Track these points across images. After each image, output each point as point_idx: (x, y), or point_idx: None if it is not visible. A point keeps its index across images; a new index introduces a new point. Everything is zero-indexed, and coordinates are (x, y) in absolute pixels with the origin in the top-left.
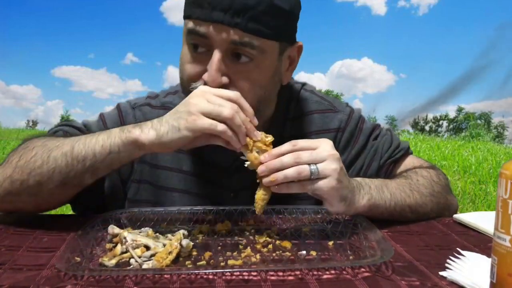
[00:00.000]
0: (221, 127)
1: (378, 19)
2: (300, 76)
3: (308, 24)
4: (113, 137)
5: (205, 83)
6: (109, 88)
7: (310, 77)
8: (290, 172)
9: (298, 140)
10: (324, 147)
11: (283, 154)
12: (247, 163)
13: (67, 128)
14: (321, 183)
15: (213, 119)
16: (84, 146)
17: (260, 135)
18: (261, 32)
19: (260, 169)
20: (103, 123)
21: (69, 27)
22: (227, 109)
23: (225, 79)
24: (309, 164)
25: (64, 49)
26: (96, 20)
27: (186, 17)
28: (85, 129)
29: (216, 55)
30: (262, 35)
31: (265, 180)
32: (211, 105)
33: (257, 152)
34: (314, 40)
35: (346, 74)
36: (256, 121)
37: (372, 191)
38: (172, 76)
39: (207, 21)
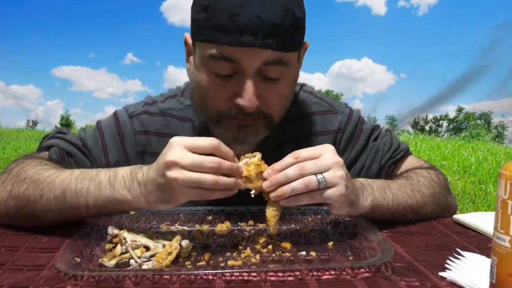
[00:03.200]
0: (207, 194)
1: (378, 19)
2: (300, 76)
3: (308, 24)
4: (105, 195)
5: (240, 107)
6: (109, 88)
7: (310, 77)
8: (297, 184)
9: (299, 151)
10: (327, 155)
11: (286, 167)
12: (252, 192)
13: (63, 144)
14: (331, 192)
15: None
16: (76, 195)
17: (246, 160)
18: (289, 47)
19: (266, 185)
20: (100, 134)
21: (69, 27)
22: (208, 178)
23: (258, 101)
24: (315, 174)
25: (64, 49)
26: (96, 20)
27: (207, 40)
28: (80, 144)
29: (251, 80)
30: (289, 50)
31: (272, 195)
32: (192, 176)
33: (255, 176)
34: (314, 40)
35: (346, 74)
36: (236, 160)
37: (375, 192)
38: (172, 76)
39: (237, 46)
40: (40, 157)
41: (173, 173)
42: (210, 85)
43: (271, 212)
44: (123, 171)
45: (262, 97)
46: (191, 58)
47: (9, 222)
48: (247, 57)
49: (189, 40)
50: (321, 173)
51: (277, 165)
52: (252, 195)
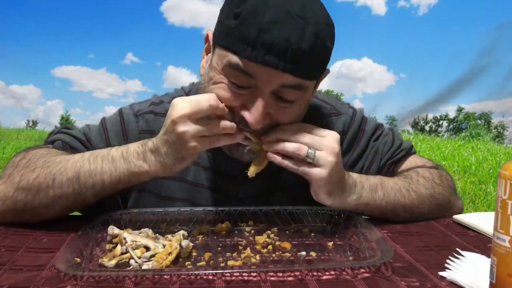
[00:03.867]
0: (217, 140)
1: (378, 19)
2: None
3: None
4: (121, 169)
5: (245, 120)
6: (109, 88)
7: None
8: (289, 146)
9: (309, 125)
10: (329, 138)
11: (292, 133)
12: (250, 170)
13: (67, 138)
14: (313, 170)
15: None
16: (90, 174)
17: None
18: (311, 76)
19: (265, 136)
20: (104, 131)
21: (69, 27)
22: (214, 123)
23: (265, 120)
24: (309, 147)
25: (64, 49)
26: (96, 20)
27: (230, 50)
28: (84, 139)
29: (263, 99)
30: (311, 78)
31: (265, 144)
32: (199, 125)
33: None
34: None
35: (346, 74)
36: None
37: (363, 191)
38: (172, 76)
39: (259, 63)
40: (46, 148)
41: (181, 127)
42: (222, 90)
43: (256, 161)
44: (134, 145)
45: (270, 115)
46: (209, 56)
47: (14, 218)
48: (266, 76)
49: (211, 39)
50: (315, 149)
51: (283, 126)
52: (247, 172)
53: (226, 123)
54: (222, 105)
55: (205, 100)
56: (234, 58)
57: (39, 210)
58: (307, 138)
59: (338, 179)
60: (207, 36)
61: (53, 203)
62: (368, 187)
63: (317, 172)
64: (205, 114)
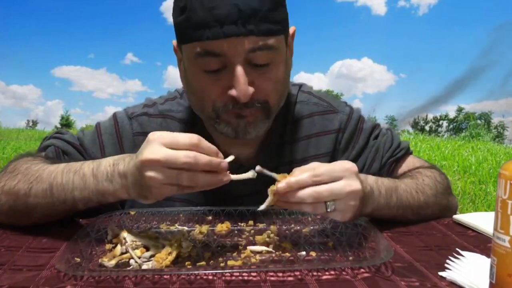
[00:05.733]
0: (188, 190)
1: (378, 19)
2: (300, 76)
3: (308, 24)
4: (90, 187)
5: (235, 99)
6: (109, 88)
7: (310, 77)
8: (305, 207)
9: (320, 168)
10: (347, 181)
11: (302, 185)
12: (261, 207)
13: (59, 142)
14: (335, 214)
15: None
16: (62, 188)
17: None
18: (272, 31)
19: (278, 202)
20: (98, 134)
21: (69, 27)
22: (185, 175)
23: (251, 89)
24: (325, 201)
25: (64, 49)
26: (96, 20)
27: (190, 41)
28: (77, 144)
29: (239, 69)
30: (273, 34)
31: (280, 202)
32: (169, 173)
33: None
34: (314, 40)
35: (346, 74)
36: (221, 156)
37: (380, 198)
38: (172, 76)
39: (219, 38)
40: (36, 155)
41: (149, 172)
42: (202, 83)
43: (269, 201)
44: (106, 162)
45: (255, 85)
46: (182, 63)
47: (5, 219)
48: (232, 47)
49: (176, 47)
50: (334, 200)
51: (292, 180)
52: (259, 209)
53: (202, 177)
54: (205, 144)
55: (182, 155)
56: (199, 46)
57: (23, 215)
58: (322, 195)
59: (363, 205)
60: (174, 47)
61: (33, 210)
62: (385, 192)
63: (340, 216)
64: (181, 167)
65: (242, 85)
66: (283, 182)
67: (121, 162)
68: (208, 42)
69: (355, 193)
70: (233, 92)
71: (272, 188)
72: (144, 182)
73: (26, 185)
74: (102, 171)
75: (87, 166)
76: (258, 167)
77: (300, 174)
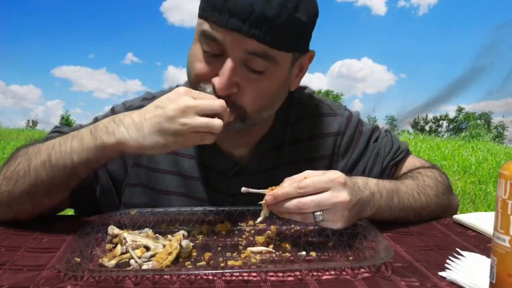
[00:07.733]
0: (209, 137)
1: (378, 19)
2: None
3: None
4: (87, 146)
5: (214, 88)
6: (109, 88)
7: (310, 77)
8: (296, 217)
9: (305, 180)
10: (333, 192)
11: (288, 196)
12: (258, 220)
13: (56, 135)
14: (326, 224)
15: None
16: (60, 154)
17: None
18: (277, 45)
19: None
20: None
21: (69, 27)
22: (216, 122)
23: (234, 89)
24: (314, 212)
25: (64, 49)
26: (96, 20)
27: (202, 17)
28: None
29: (229, 64)
30: (277, 48)
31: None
32: (202, 121)
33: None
34: (314, 40)
35: (346, 74)
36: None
37: (382, 201)
38: (172, 76)
39: (221, 27)
40: (35, 142)
41: (185, 119)
42: (197, 57)
43: (265, 213)
44: (104, 120)
45: (239, 88)
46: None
47: (7, 211)
48: (232, 41)
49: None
50: (321, 210)
51: (278, 192)
52: (258, 221)
53: (220, 123)
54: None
55: (217, 103)
56: (205, 25)
57: (21, 199)
58: (308, 206)
59: (356, 213)
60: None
61: (32, 189)
62: (386, 195)
63: (330, 226)
64: (213, 112)
65: (224, 78)
66: (270, 194)
67: (125, 117)
68: (213, 26)
69: (342, 203)
70: (215, 80)
71: (264, 201)
72: (175, 129)
73: (26, 163)
74: (101, 128)
75: (85, 129)
76: (243, 188)
77: (288, 185)
